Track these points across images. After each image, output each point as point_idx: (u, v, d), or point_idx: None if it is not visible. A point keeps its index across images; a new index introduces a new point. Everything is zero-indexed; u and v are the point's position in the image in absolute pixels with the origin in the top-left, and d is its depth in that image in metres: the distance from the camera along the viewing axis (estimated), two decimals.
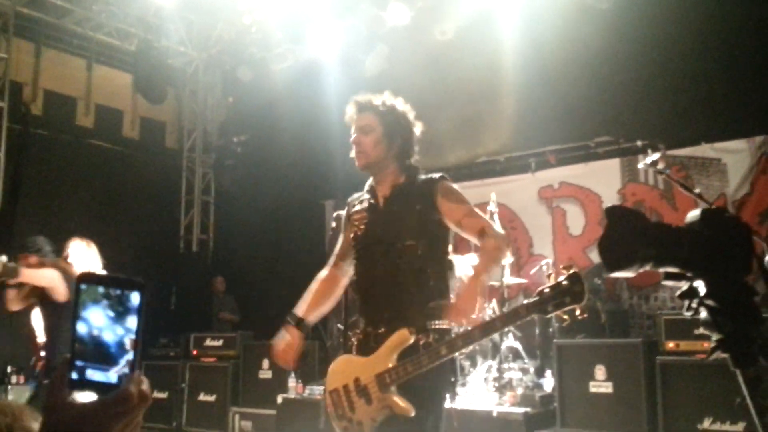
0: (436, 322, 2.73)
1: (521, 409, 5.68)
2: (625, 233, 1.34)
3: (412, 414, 2.56)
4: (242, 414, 7.66)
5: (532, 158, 8.06)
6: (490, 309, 6.55)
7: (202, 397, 7.94)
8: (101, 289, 0.84)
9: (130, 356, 0.84)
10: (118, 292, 0.84)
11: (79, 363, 0.84)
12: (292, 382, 7.19)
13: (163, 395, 7.89)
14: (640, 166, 3.35)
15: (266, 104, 9.08)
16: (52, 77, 9.19)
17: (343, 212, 3.15)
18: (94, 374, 0.84)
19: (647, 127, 7.06)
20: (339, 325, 7.97)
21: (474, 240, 2.79)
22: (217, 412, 7.81)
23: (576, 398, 5.43)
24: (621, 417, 5.20)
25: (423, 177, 2.94)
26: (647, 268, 1.36)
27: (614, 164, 7.62)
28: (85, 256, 6.12)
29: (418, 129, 2.98)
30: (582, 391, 5.38)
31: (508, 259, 2.91)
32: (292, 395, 7.11)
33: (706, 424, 4.78)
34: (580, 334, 6.01)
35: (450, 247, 2.90)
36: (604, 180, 7.67)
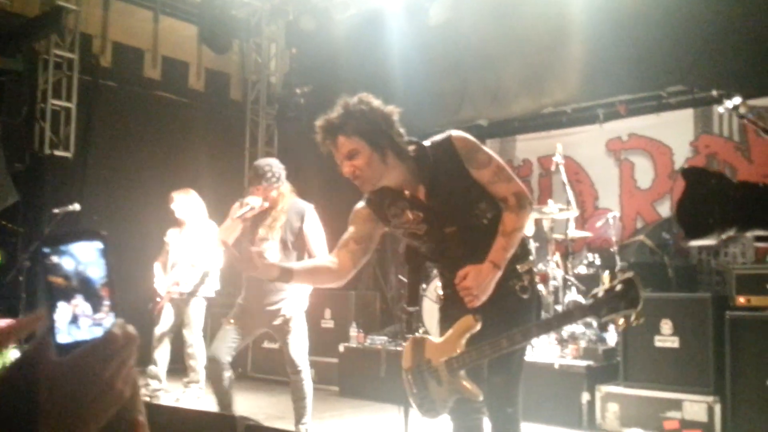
0: (524, 264, 2.80)
1: (584, 362, 5.61)
2: (704, 197, 1.20)
3: (480, 398, 2.66)
4: None
5: (600, 109, 7.83)
6: (554, 263, 6.46)
7: (266, 344, 8.11)
8: (63, 247, 0.83)
9: (107, 305, 0.83)
10: (81, 244, 0.83)
11: (59, 326, 0.82)
12: (353, 331, 7.29)
13: None
14: (721, 110, 3.20)
15: (329, 55, 9.03)
16: (120, 29, 9.32)
17: (361, 207, 2.95)
18: (78, 333, 0.82)
19: (723, 75, 6.72)
20: (400, 276, 8.00)
21: None
22: (280, 359, 7.96)
23: (640, 353, 5.32)
24: (687, 372, 5.08)
25: (433, 147, 2.77)
26: (731, 233, 1.24)
27: (687, 115, 7.34)
28: (189, 205, 6.28)
29: (393, 112, 2.74)
30: (647, 345, 5.27)
31: (529, 221, 2.89)
32: (353, 344, 7.20)
33: None
34: (647, 288, 5.87)
35: None
36: (676, 131, 7.41)
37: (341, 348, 7.21)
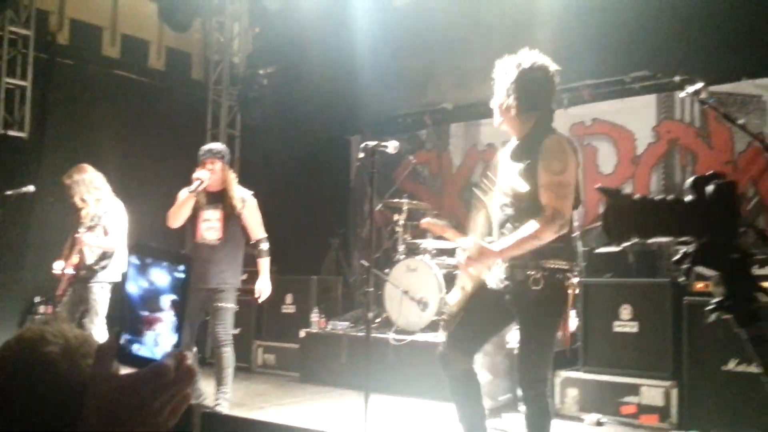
0: (550, 261, 2.96)
1: None
2: (612, 212, 1.37)
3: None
4: (265, 347, 7.74)
5: (564, 93, 7.80)
6: None
7: None
8: (149, 260, 0.82)
9: (173, 332, 0.82)
10: (165, 264, 0.82)
11: (127, 336, 0.82)
12: (314, 316, 7.22)
13: None
14: (682, 95, 3.29)
15: (293, 35, 8.85)
16: (78, 6, 9.05)
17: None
18: (140, 349, 0.82)
19: (686, 61, 6.74)
20: (363, 262, 7.94)
21: None
22: (241, 345, 7.86)
23: (600, 338, 5.35)
24: (645, 357, 5.12)
25: (542, 130, 3.14)
26: (634, 240, 1.39)
27: (650, 100, 7.35)
28: (87, 183, 5.93)
29: (549, 81, 3.20)
30: (606, 330, 5.30)
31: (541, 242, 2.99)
32: (314, 329, 7.14)
33: (731, 365, 4.67)
34: (607, 273, 5.89)
35: None
36: (638, 117, 7.42)
37: (302, 333, 7.14)
